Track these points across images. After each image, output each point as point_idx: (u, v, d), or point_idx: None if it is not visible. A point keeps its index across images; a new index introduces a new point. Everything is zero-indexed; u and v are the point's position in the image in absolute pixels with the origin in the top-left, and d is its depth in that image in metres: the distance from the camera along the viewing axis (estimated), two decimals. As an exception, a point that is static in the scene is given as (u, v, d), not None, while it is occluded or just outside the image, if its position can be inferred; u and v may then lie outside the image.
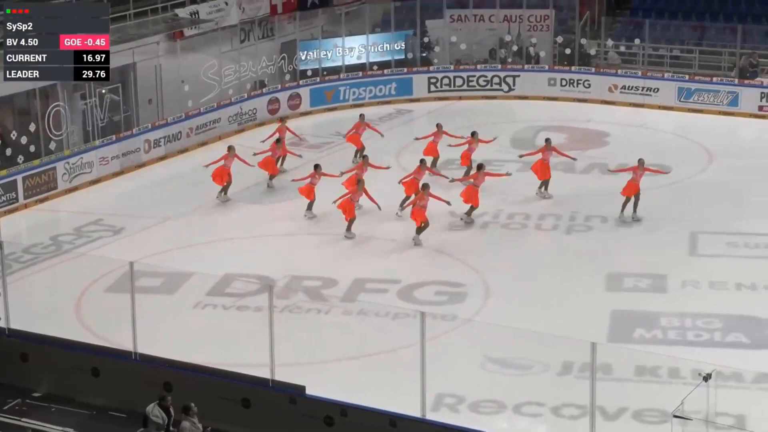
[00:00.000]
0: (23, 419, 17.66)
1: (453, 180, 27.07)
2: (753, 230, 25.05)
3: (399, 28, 38.22)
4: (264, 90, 35.35)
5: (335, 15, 37.54)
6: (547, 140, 27.90)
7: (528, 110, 36.13)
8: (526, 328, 19.84)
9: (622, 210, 25.60)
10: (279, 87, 35.70)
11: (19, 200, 27.54)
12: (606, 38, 37.90)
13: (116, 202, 28.24)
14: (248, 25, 35.41)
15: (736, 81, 35.17)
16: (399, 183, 26.60)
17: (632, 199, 25.57)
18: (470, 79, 37.53)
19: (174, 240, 25.46)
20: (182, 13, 33.21)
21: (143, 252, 23.58)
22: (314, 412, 16.90)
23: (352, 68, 36.91)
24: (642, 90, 35.92)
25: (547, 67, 37.45)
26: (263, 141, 30.10)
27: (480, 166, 26.38)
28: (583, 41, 37.67)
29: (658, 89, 35.66)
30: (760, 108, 34.30)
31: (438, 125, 30.01)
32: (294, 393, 17.13)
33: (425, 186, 25.23)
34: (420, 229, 24.81)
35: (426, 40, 38.52)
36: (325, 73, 36.60)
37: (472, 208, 25.88)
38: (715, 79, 35.46)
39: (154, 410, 16.18)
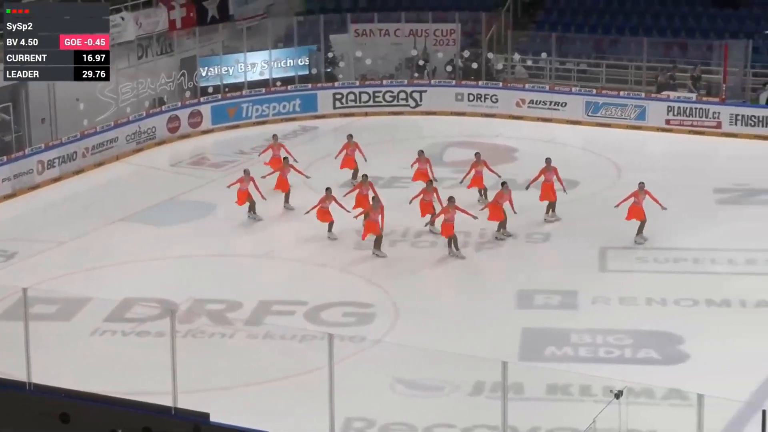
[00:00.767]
0: None
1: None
2: (662, 245, 25.54)
3: (302, 43, 38.29)
4: (163, 108, 35.10)
5: (236, 30, 37.48)
6: (547, 160, 27.48)
7: (435, 126, 36.41)
8: (436, 349, 19.97)
9: (640, 233, 25.56)
10: (179, 104, 35.48)
11: None
12: (513, 52, 38.40)
13: (8, 226, 27.74)
14: (146, 41, 35.16)
15: (643, 95, 35.89)
16: (410, 203, 26.59)
17: (640, 222, 25.53)
18: (376, 94, 37.73)
19: (70, 264, 25.09)
20: (76, 28, 32.84)
21: (38, 277, 23.21)
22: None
23: (254, 84, 36.87)
24: (550, 104, 36.45)
25: (454, 82, 37.83)
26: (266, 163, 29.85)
27: (504, 184, 26.50)
28: (490, 55, 38.13)
29: (565, 103, 36.22)
30: (668, 122, 35.04)
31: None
32: (197, 421, 16.93)
33: (451, 199, 25.25)
34: (451, 241, 25.06)
35: (330, 55, 38.64)
36: (226, 89, 36.50)
37: (502, 224, 26.00)
38: (622, 93, 36.13)
39: None
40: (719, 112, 34.41)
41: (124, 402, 17.30)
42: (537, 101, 36.63)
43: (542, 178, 27.13)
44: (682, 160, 32.44)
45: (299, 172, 28.98)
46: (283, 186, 28.32)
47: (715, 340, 20.89)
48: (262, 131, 35.25)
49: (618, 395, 18.21)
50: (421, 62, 38.54)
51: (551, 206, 27.11)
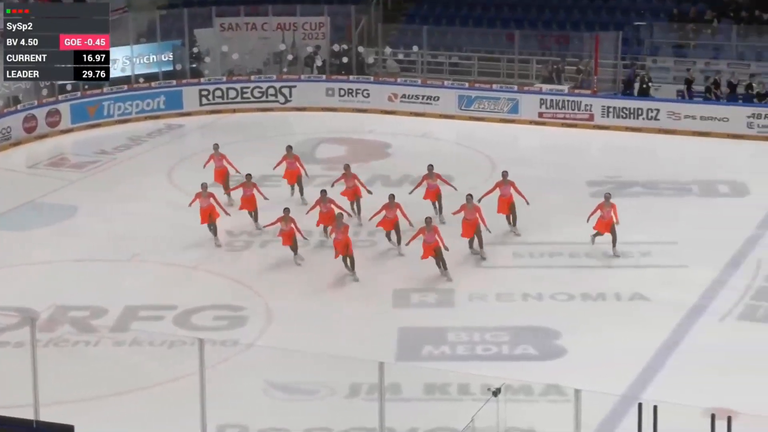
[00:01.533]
0: None
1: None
2: (537, 240, 25.94)
3: (166, 38, 37.85)
4: (19, 107, 34.33)
5: (96, 24, 36.80)
6: (504, 173, 26.40)
7: (306, 122, 36.38)
8: (310, 351, 19.97)
9: (614, 245, 24.75)
10: (36, 103, 34.73)
11: None
12: (384, 46, 38.59)
13: None
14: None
15: (516, 88, 36.43)
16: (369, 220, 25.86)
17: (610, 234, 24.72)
18: (244, 90, 37.53)
19: None
20: None
21: None
22: (84, 453, 16.46)
23: (116, 81, 36.25)
24: (422, 99, 36.73)
25: (324, 77, 37.83)
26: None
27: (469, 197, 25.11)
28: (361, 49, 38.23)
29: (438, 97, 36.54)
30: (540, 114, 35.63)
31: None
32: (62, 434, 16.65)
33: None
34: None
35: (195, 50, 38.28)
36: (86, 87, 35.83)
37: (472, 240, 24.85)
38: (495, 86, 36.61)
39: None
40: (591, 105, 35.13)
41: (-18, 417, 16.90)
42: (409, 95, 36.87)
43: (497, 192, 26.01)
44: (555, 154, 33.02)
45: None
46: (248, 204, 26.60)
47: (592, 334, 21.31)
48: (125, 130, 34.79)
49: (496, 393, 18.46)
50: (290, 57, 38.43)
51: (513, 217, 26.12)
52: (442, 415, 18.59)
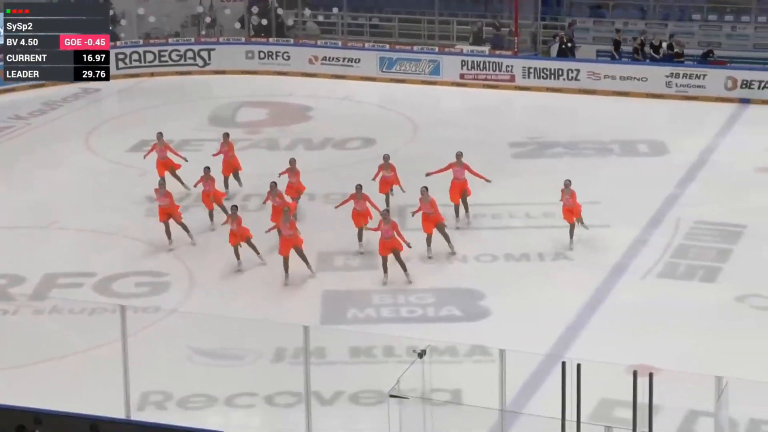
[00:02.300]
0: None
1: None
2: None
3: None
4: (-71, 71, 33.57)
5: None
6: (458, 154, 24.62)
7: (226, 85, 36.08)
8: (234, 316, 19.91)
9: (571, 237, 23.38)
10: (-53, 67, 33.99)
11: None
12: (303, 7, 38.34)
13: None
14: None
15: (437, 49, 36.45)
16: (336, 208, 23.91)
17: (575, 223, 23.29)
18: (162, 54, 37.08)
19: None
20: None
21: None
22: (3, 423, 16.26)
23: (29, 45, 35.57)
24: (343, 61, 36.59)
25: (243, 40, 37.52)
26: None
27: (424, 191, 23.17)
28: (280, 11, 37.96)
29: (359, 60, 36.42)
30: (462, 76, 35.70)
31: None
32: (-19, 404, 16.45)
33: (385, 213, 22.35)
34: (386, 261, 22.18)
35: (111, 12, 37.64)
36: (-2, 50, 35.09)
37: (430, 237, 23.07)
38: (416, 47, 36.59)
39: None
40: (512, 66, 35.25)
41: None
42: (330, 58, 36.70)
43: (450, 173, 24.39)
44: (477, 115, 33.13)
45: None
46: (206, 200, 24.61)
47: (516, 295, 21.49)
48: (40, 95, 34.21)
49: (421, 354, 18.55)
50: (207, 19, 38.04)
51: (464, 204, 24.49)
52: (367, 377, 18.65)
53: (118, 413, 16.67)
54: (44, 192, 26.94)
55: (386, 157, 25.42)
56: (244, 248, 22.60)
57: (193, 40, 37.47)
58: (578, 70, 34.61)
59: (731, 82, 33.29)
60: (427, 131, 31.29)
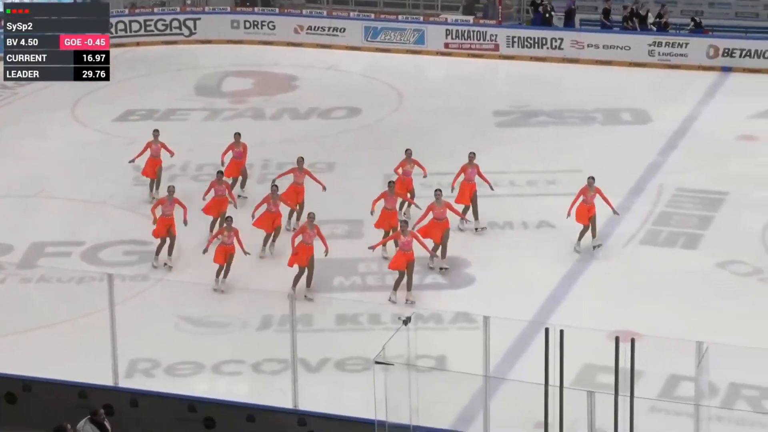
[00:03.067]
0: None
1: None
2: (445, 170, 25.97)
3: (66, -30, 36.97)
4: None
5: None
6: (471, 155, 23.10)
7: (212, 55, 35.94)
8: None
9: (579, 239, 21.95)
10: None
11: None
12: (289, -23, 38.19)
13: None
14: None
15: (422, 18, 36.34)
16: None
17: (589, 225, 21.84)
18: (147, 23, 36.90)
19: None
20: None
21: None
22: (-7, 390, 16.35)
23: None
24: (328, 30, 36.46)
25: (229, 9, 37.36)
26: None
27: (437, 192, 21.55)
28: (267, -19, 37.82)
29: (344, 29, 36.29)
30: (446, 45, 35.61)
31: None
32: (-32, 372, 16.47)
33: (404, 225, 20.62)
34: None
35: (97, -19, 37.48)
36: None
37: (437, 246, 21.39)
38: (401, 17, 36.47)
39: (85, 427, 14.91)
40: (496, 35, 35.18)
41: None
42: (315, 27, 36.56)
43: (461, 176, 22.95)
44: (461, 84, 33.08)
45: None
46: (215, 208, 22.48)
47: (500, 263, 21.55)
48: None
49: (406, 322, 18.57)
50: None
51: (473, 208, 22.90)
52: (353, 344, 18.71)
53: (106, 381, 16.71)
54: (32, 161, 26.85)
55: (408, 153, 23.45)
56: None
57: (178, 9, 37.30)
58: (562, 39, 34.56)
59: (713, 50, 33.29)
60: (412, 100, 31.25)
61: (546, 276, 20.75)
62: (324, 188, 22.85)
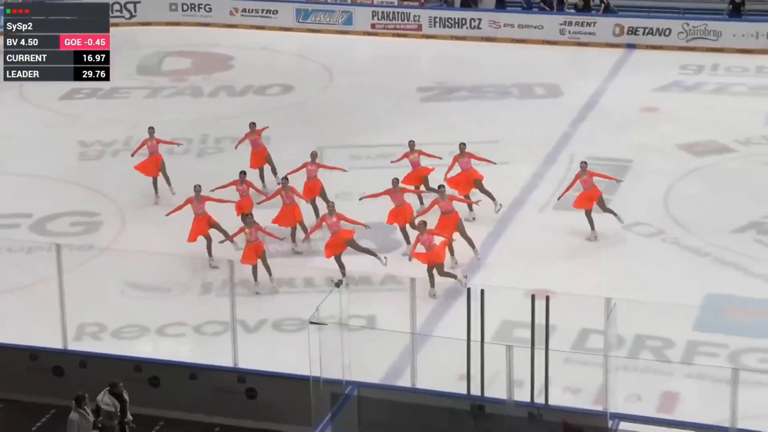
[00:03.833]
0: None
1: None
2: (372, 142, 26.04)
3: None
4: None
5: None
6: (461, 145, 21.90)
7: (152, 36, 35.45)
8: (165, 252, 19.76)
9: (593, 227, 20.92)
10: None
11: None
12: (223, -39, 37.69)
13: None
14: None
15: (350, 1, 36.14)
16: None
17: (591, 209, 20.87)
18: (89, 6, 36.18)
19: None
20: None
21: None
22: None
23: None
24: (262, 12, 36.16)
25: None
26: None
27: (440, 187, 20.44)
28: (201, -35, 37.30)
29: (277, 11, 36.01)
30: (373, 26, 35.49)
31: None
32: None
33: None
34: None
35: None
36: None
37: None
38: (330, -1, 36.29)
39: (104, 398, 14.62)
40: (419, 15, 35.15)
41: None
42: (250, 10, 36.22)
43: (457, 167, 21.78)
44: (387, 63, 33.00)
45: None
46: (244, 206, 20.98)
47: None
48: None
49: (338, 284, 18.57)
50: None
51: (485, 192, 21.63)
52: (289, 306, 18.67)
53: (56, 344, 16.55)
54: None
55: (411, 144, 22.29)
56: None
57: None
58: (480, 19, 34.61)
59: (619, 29, 33.55)
60: (341, 78, 31.14)
61: (471, 237, 20.80)
62: (344, 170, 21.90)
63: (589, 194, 20.78)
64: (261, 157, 23.20)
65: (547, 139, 26.04)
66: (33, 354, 16.40)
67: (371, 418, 15.32)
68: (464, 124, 27.18)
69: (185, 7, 36.44)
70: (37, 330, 17.13)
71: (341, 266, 19.23)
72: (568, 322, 17.67)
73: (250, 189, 21.23)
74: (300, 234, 20.78)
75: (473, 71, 31.67)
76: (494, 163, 22.35)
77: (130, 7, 36.39)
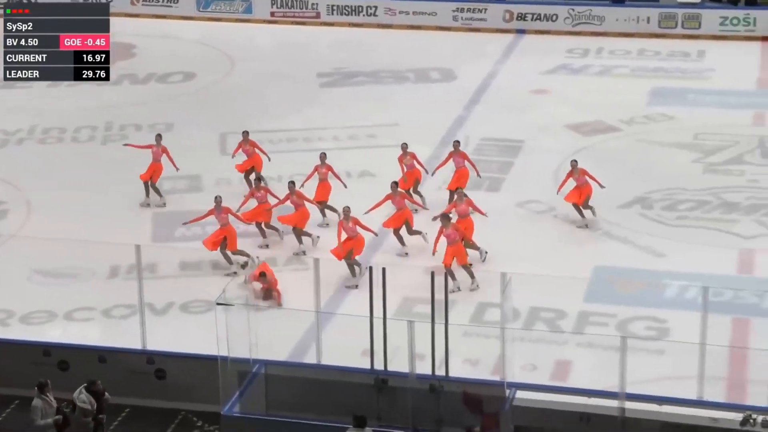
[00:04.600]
0: None
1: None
2: (275, 127, 25.85)
3: None
4: None
5: None
6: (455, 143, 21.88)
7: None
8: (71, 238, 19.37)
9: (582, 216, 20.80)
10: None
11: None
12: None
13: None
14: None
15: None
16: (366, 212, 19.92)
17: (581, 204, 20.76)
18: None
19: None
20: None
21: None
22: None
23: None
24: (163, 1, 35.59)
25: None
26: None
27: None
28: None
29: (178, 0, 35.46)
30: (272, 14, 35.19)
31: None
32: None
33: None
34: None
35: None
36: None
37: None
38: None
39: (80, 395, 13.93)
40: (317, 3, 34.94)
41: None
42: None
43: (451, 163, 21.57)
44: (287, 50, 32.76)
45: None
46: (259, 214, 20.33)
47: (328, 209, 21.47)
48: None
49: (244, 266, 18.45)
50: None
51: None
52: (196, 289, 18.46)
53: (-36, 332, 16.12)
54: None
55: (404, 146, 21.62)
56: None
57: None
58: (376, 7, 34.56)
59: (509, 15, 33.81)
60: (242, 65, 30.84)
61: (371, 220, 20.73)
62: (345, 186, 21.26)
63: (580, 191, 20.57)
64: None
65: (442, 121, 26.15)
66: (-59, 342, 15.94)
67: (278, 395, 15.24)
68: (363, 108, 27.13)
69: (87, -3, 35.59)
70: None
71: (356, 266, 18.70)
72: (466, 296, 17.81)
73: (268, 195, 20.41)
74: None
75: (371, 57, 31.63)
76: (479, 176, 21.74)
77: None
